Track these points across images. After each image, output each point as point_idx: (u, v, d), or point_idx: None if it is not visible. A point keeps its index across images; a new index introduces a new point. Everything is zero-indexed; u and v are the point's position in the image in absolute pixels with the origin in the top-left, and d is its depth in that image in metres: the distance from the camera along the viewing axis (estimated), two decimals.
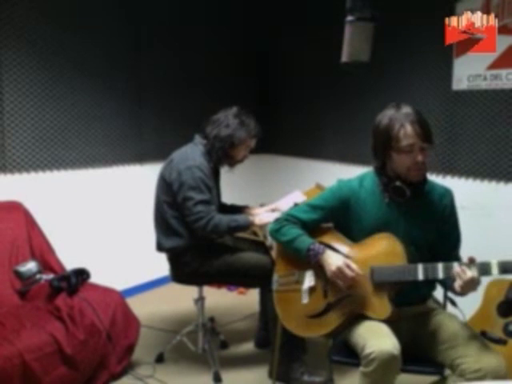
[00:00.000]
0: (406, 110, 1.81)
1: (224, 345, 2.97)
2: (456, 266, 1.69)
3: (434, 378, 1.92)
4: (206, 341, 2.76)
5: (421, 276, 1.75)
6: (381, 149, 1.85)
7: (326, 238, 1.99)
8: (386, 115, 1.83)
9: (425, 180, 1.90)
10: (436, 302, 2.03)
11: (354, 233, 1.94)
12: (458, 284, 1.67)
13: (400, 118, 1.79)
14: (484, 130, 2.91)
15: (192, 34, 3.96)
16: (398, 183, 1.84)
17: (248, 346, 2.96)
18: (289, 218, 2.02)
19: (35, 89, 3.08)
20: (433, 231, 1.91)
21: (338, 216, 1.98)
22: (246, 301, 3.64)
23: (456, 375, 1.72)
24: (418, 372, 1.86)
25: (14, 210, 2.80)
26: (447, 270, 1.72)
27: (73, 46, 3.25)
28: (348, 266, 1.84)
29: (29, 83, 3.05)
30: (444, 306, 2.03)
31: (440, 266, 1.73)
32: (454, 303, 1.99)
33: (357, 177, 2.00)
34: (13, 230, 2.72)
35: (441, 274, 1.73)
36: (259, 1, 4.41)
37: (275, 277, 2.07)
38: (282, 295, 2.05)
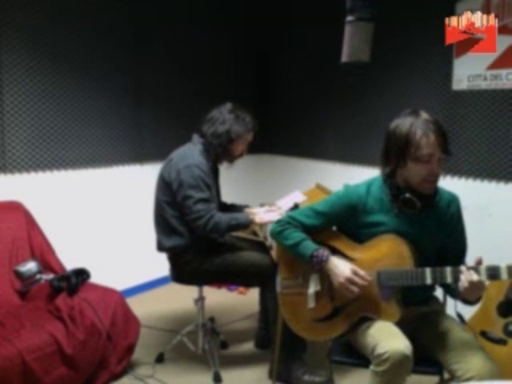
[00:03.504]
0: (425, 116, 1.74)
1: (224, 345, 2.97)
2: (464, 269, 1.66)
3: (434, 378, 1.93)
4: (206, 341, 2.76)
5: (429, 280, 1.73)
6: (395, 155, 1.77)
7: (329, 240, 1.95)
8: (406, 121, 1.75)
9: (435, 192, 1.84)
10: (438, 303, 2.02)
11: (361, 237, 1.90)
12: (462, 287, 1.65)
13: (422, 126, 1.72)
14: (484, 129, 2.91)
15: (192, 33, 3.96)
16: (407, 195, 1.78)
17: (248, 346, 2.96)
18: (290, 221, 1.97)
19: (35, 89, 3.08)
20: (441, 240, 1.88)
21: (343, 222, 1.94)
22: (246, 301, 3.64)
23: (453, 380, 1.73)
24: (418, 372, 1.85)
25: (14, 210, 2.80)
26: (456, 273, 1.68)
27: (73, 45, 3.25)
28: (356, 274, 1.81)
29: (29, 83, 3.05)
30: (443, 305, 2.03)
31: (448, 270, 1.70)
32: (462, 320, 1.93)
33: (364, 182, 1.93)
34: (13, 229, 2.72)
35: (449, 278, 1.70)
36: (259, 0, 4.42)
37: (278, 279, 2.05)
38: (286, 298, 2.02)
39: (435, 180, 1.78)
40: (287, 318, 2.02)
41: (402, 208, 1.83)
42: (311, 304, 1.94)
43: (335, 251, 1.92)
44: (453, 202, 1.90)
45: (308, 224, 1.96)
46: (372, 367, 1.71)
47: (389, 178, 1.85)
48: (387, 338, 1.72)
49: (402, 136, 1.74)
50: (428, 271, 1.73)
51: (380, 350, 1.67)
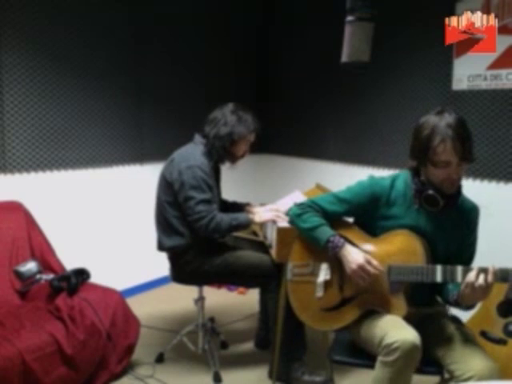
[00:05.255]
0: (448, 119, 1.72)
1: (224, 345, 2.97)
2: (475, 269, 1.66)
3: (434, 378, 1.93)
4: (206, 341, 2.76)
5: (439, 278, 1.74)
6: (418, 155, 1.80)
7: (343, 231, 1.96)
8: (429, 122, 1.75)
9: (459, 191, 1.85)
10: (440, 304, 2.02)
11: (377, 230, 1.92)
12: (464, 286, 1.65)
13: (442, 130, 1.71)
14: (484, 129, 2.91)
15: (192, 33, 3.96)
16: (431, 192, 1.79)
17: (248, 346, 2.96)
18: (312, 205, 1.98)
19: (35, 89, 3.08)
20: (455, 243, 1.88)
21: (364, 212, 1.94)
22: (246, 301, 3.64)
23: (452, 380, 1.73)
24: (418, 372, 1.85)
25: (14, 210, 2.80)
26: (467, 273, 1.68)
27: (73, 45, 3.25)
28: (369, 263, 1.83)
29: (29, 83, 3.05)
30: (445, 306, 2.02)
31: (459, 269, 1.71)
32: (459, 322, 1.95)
33: (389, 176, 1.96)
34: (13, 230, 2.71)
35: (459, 277, 1.71)
36: (259, 1, 4.42)
37: (289, 265, 2.04)
38: (295, 286, 2.02)
39: (455, 182, 1.78)
40: (294, 305, 2.03)
41: (423, 204, 1.83)
42: (319, 293, 1.95)
43: (348, 242, 1.92)
44: (474, 210, 1.90)
45: (329, 210, 1.96)
46: (380, 358, 1.71)
47: (415, 173, 1.87)
48: (396, 328, 1.73)
49: (424, 138, 1.75)
50: (439, 269, 1.74)
51: (389, 339, 1.68)
